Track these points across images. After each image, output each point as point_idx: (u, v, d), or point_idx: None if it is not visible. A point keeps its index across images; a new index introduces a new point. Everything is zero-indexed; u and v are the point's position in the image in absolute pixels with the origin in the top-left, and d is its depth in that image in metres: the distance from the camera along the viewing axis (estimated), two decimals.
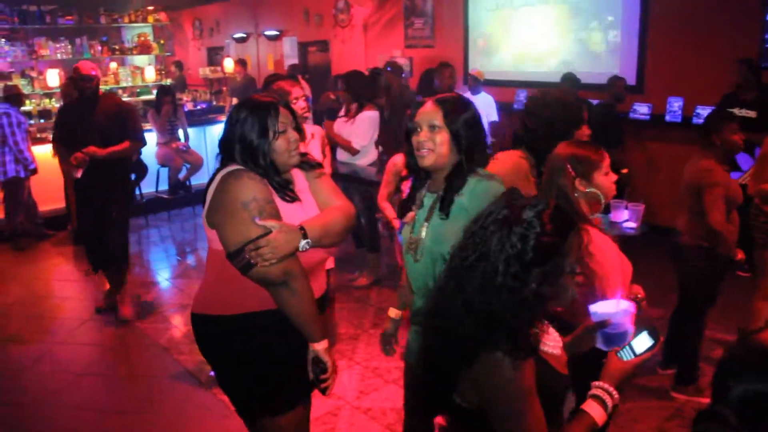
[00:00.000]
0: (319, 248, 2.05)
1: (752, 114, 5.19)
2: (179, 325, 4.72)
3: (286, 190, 2.04)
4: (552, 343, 1.58)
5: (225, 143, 2.08)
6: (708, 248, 3.35)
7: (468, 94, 6.90)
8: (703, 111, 5.60)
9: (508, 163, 2.63)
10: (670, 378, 3.62)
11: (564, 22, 7.35)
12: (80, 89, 4.66)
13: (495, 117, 6.93)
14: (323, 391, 2.14)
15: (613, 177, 2.25)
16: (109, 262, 4.86)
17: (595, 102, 6.01)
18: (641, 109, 6.46)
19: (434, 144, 2.07)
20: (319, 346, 2.07)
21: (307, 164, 2.20)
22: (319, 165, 2.26)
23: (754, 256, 3.39)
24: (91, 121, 4.54)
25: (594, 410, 1.48)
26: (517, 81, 7.84)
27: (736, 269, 3.42)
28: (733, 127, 3.31)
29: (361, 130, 5.12)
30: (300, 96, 3.52)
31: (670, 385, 3.58)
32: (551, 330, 1.60)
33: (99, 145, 4.48)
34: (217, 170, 2.08)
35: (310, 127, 3.92)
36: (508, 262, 1.37)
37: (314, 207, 2.13)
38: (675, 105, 6.14)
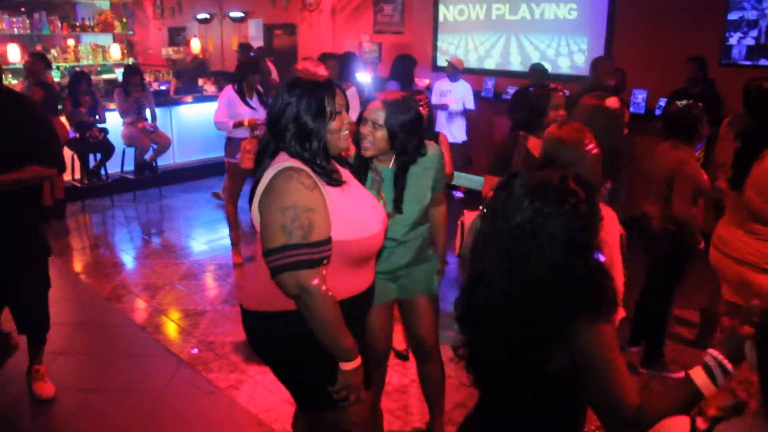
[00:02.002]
0: (380, 235, 2.07)
1: None
2: (153, 305, 4.70)
3: (332, 175, 1.97)
4: None
5: (275, 123, 1.97)
6: (674, 232, 3.53)
7: (447, 81, 7.15)
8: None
9: None
10: (638, 354, 3.81)
11: (533, 12, 7.50)
12: None
13: (471, 105, 7.16)
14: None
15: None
16: (31, 325, 3.47)
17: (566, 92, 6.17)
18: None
19: (374, 139, 2.40)
20: (343, 366, 1.95)
21: (342, 159, 2.19)
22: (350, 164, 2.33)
23: None
24: None
25: (700, 378, 1.43)
26: (485, 69, 8.00)
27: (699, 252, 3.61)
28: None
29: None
30: (325, 76, 3.52)
31: (638, 362, 3.77)
32: None
33: None
34: (262, 153, 2.01)
35: None
36: (567, 231, 1.45)
37: (360, 196, 2.10)
38: (639, 97, 6.37)
